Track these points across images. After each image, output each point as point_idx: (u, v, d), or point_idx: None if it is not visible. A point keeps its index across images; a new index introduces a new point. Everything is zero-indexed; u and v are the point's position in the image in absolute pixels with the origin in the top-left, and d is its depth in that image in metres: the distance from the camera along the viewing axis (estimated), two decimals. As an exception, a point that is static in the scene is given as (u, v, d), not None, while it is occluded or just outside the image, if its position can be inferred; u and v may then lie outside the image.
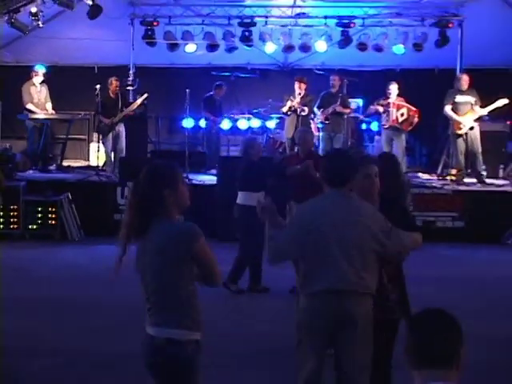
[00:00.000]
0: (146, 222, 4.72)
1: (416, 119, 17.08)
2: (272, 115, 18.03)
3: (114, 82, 17.25)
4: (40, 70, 17.52)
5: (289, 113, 17.04)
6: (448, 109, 16.63)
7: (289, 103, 16.96)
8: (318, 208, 5.89)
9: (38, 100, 17.55)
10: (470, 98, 16.55)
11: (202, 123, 17.93)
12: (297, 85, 16.89)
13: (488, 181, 16.74)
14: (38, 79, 17.56)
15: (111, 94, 17.26)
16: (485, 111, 16.58)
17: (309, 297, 5.74)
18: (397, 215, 6.04)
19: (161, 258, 4.66)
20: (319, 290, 5.64)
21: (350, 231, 5.66)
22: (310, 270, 5.71)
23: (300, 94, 16.83)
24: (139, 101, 17.27)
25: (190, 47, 18.22)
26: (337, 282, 5.61)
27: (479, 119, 16.68)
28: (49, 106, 17.78)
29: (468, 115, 16.52)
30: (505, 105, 16.47)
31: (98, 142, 17.90)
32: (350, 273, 5.60)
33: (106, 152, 17.43)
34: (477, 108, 16.52)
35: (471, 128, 16.50)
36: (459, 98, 16.60)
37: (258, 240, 10.71)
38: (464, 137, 16.56)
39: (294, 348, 5.89)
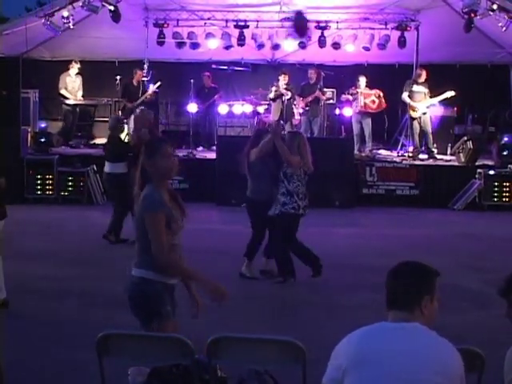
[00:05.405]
0: (142, 185, 4.88)
1: (383, 104, 17.05)
2: (262, 102, 17.93)
3: (138, 73, 17.26)
4: (75, 64, 17.50)
5: (275, 98, 17.03)
6: (405, 95, 16.64)
7: (274, 89, 16.98)
8: None
9: (72, 88, 17.50)
10: (424, 89, 16.57)
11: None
12: (281, 76, 16.98)
13: (438, 156, 16.75)
14: (73, 71, 17.50)
15: (135, 83, 17.27)
16: (436, 100, 16.64)
17: None
18: None
19: (136, 215, 4.90)
20: None
21: None
22: None
23: (285, 82, 16.91)
24: (155, 86, 17.22)
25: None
26: None
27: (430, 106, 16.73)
28: (79, 94, 17.71)
29: (422, 102, 16.53)
30: (452, 96, 16.54)
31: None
32: None
33: (129, 130, 17.46)
34: (428, 97, 16.55)
35: (424, 113, 16.56)
36: (415, 88, 16.59)
37: None
38: (418, 120, 16.60)
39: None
